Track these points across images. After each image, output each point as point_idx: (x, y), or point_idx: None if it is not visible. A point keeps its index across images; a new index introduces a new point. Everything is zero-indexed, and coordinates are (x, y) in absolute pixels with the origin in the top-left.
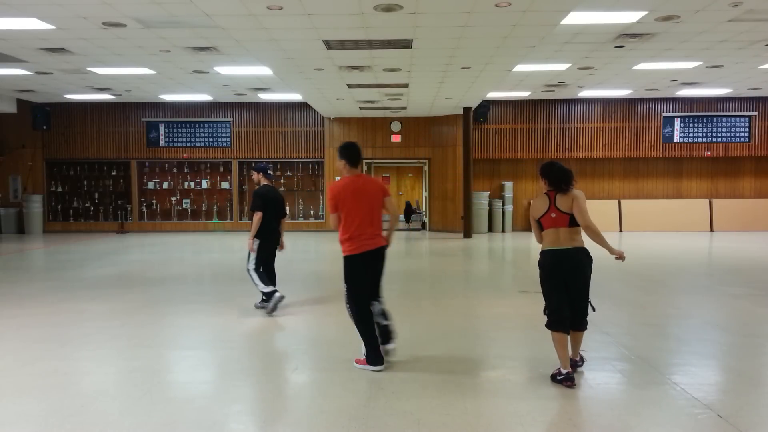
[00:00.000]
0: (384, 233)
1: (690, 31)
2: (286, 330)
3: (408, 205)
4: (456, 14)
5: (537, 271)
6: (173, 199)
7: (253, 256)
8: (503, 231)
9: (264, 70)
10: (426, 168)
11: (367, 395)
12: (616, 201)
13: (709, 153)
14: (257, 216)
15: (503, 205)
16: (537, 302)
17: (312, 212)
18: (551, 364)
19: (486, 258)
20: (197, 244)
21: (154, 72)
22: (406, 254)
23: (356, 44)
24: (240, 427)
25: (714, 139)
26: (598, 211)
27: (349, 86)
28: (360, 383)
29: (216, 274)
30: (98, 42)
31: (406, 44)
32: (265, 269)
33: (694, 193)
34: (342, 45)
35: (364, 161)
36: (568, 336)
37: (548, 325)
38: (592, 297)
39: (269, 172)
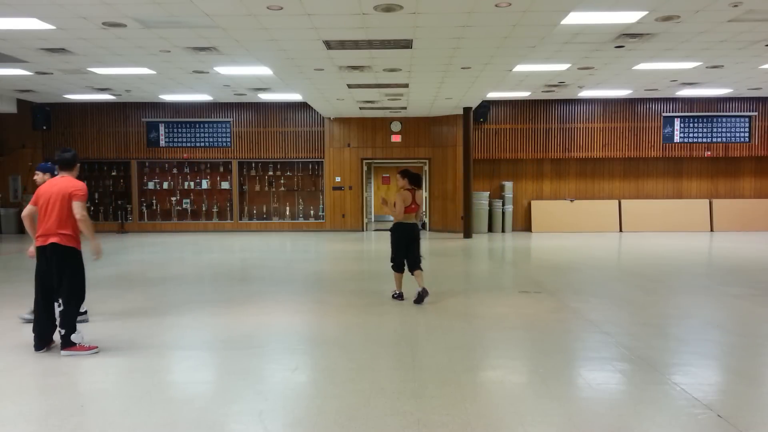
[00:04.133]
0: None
1: (690, 31)
2: (286, 330)
3: None
4: (456, 14)
5: (537, 271)
6: (173, 199)
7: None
8: (503, 231)
9: (264, 70)
10: (426, 168)
11: (368, 395)
12: (616, 201)
13: (709, 153)
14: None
15: (503, 205)
16: (537, 302)
17: (312, 212)
18: (551, 364)
19: (486, 258)
20: (197, 245)
21: (154, 72)
22: None
23: (356, 44)
24: (240, 427)
25: (714, 139)
26: (598, 211)
27: (349, 86)
28: (360, 383)
29: (216, 275)
30: (98, 42)
31: (406, 44)
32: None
33: (694, 193)
34: (342, 45)
35: (364, 161)
36: (403, 274)
37: (393, 268)
38: (591, 296)
39: (56, 172)
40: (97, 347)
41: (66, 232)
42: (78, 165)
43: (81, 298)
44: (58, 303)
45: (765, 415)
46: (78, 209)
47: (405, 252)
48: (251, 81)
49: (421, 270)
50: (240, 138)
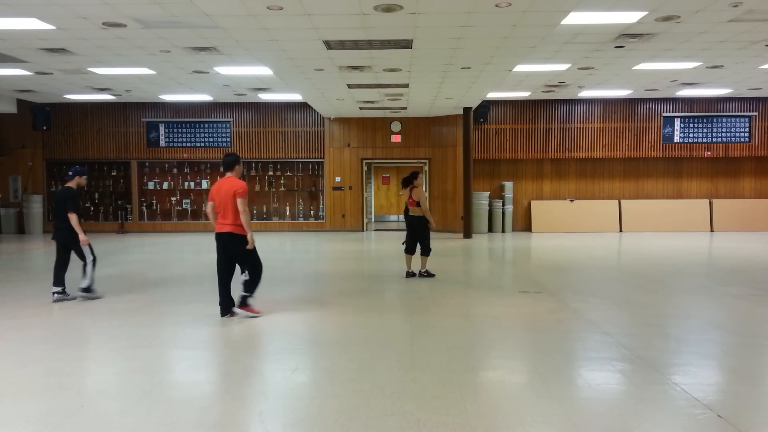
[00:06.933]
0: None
1: (690, 31)
2: (286, 330)
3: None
4: (456, 14)
5: (537, 271)
6: (173, 199)
7: (88, 249)
8: (503, 231)
9: (264, 70)
10: (426, 168)
11: (368, 395)
12: (616, 201)
13: (709, 153)
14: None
15: (503, 205)
16: (537, 302)
17: (312, 212)
18: (551, 364)
19: (486, 258)
20: (197, 245)
21: (154, 72)
22: None
23: (356, 44)
24: (240, 427)
25: (714, 140)
26: (598, 211)
27: (349, 86)
28: (360, 383)
29: (216, 275)
30: (98, 42)
31: (406, 44)
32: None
33: (694, 194)
34: (342, 45)
35: (364, 161)
36: (413, 256)
37: (405, 251)
38: (591, 296)
39: (69, 173)
40: (261, 312)
41: (237, 223)
42: (238, 167)
43: (261, 268)
44: (245, 273)
45: (765, 415)
46: (240, 205)
47: (411, 238)
48: (251, 81)
49: (425, 256)
50: (240, 138)
